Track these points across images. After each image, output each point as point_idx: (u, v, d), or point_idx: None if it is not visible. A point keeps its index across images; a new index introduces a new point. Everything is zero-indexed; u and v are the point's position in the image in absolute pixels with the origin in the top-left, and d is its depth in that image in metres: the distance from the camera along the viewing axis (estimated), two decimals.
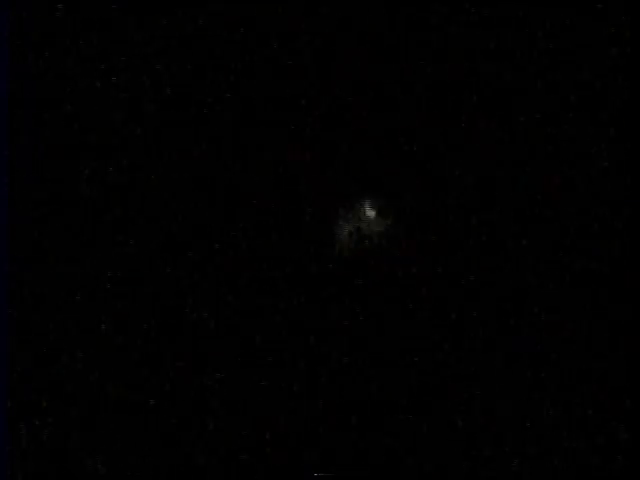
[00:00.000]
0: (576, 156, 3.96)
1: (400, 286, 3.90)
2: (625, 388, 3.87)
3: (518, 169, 3.96)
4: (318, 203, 3.94)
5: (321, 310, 3.92)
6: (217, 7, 4.02)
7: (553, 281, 3.91)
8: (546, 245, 3.95)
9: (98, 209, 3.98)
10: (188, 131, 4.00)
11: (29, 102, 4.01)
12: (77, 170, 3.98)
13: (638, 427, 3.83)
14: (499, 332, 3.90)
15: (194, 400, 3.92)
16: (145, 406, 3.90)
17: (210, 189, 3.97)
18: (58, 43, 4.01)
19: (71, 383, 3.91)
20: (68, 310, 3.94)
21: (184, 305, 3.93)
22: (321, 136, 3.97)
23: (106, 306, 3.94)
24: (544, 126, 3.98)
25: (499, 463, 3.85)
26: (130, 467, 3.88)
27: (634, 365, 3.86)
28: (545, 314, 3.91)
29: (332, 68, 4.01)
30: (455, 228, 3.93)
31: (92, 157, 3.98)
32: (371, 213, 3.92)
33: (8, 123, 3.99)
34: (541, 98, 3.98)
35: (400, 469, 3.87)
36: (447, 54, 3.99)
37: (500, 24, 3.99)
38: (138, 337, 3.92)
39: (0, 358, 3.89)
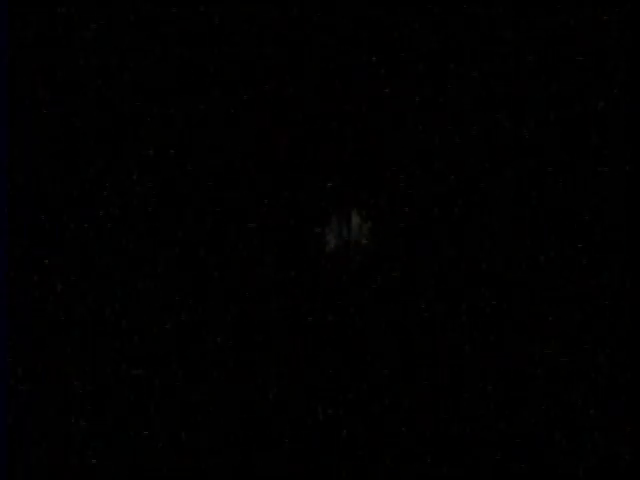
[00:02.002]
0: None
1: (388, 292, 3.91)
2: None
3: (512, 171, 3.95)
4: (305, 209, 3.94)
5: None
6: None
7: (549, 279, 3.92)
8: (544, 247, 3.95)
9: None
10: (183, 129, 4.01)
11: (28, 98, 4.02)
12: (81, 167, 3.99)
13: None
14: (495, 335, 3.91)
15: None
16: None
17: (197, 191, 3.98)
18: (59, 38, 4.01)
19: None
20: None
21: (176, 308, 3.95)
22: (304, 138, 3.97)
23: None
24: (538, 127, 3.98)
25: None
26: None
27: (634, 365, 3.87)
28: (542, 315, 3.92)
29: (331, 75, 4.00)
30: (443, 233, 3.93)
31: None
32: (356, 219, 3.91)
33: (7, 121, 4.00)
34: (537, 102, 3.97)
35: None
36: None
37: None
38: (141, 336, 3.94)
39: (0, 358, 3.91)
